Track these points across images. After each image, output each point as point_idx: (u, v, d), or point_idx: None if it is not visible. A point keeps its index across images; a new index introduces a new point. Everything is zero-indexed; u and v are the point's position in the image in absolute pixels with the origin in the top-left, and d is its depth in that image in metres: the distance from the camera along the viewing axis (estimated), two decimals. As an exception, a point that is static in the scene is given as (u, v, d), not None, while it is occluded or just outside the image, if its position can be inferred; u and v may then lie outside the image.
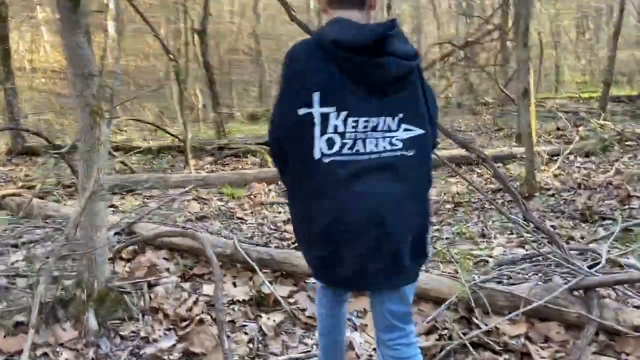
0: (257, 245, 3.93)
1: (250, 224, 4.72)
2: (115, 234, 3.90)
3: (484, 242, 3.99)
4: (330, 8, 1.64)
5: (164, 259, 3.57)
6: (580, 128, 8.33)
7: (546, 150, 6.66)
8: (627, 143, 7.11)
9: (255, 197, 5.40)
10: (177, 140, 7.98)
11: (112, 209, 4.98)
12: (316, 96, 1.53)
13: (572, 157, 6.61)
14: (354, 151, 1.56)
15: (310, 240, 1.68)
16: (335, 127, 1.54)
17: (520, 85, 4.67)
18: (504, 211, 3.23)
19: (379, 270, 1.61)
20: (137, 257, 3.60)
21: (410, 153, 1.61)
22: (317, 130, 1.54)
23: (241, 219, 4.83)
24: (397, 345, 1.74)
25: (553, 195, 4.97)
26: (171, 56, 7.05)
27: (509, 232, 4.14)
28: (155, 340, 2.64)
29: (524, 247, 3.85)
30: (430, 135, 1.68)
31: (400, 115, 1.59)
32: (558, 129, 8.85)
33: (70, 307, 2.79)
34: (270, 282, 3.19)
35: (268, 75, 14.19)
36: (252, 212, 5.00)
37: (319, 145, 1.55)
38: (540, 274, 3.22)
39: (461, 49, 9.28)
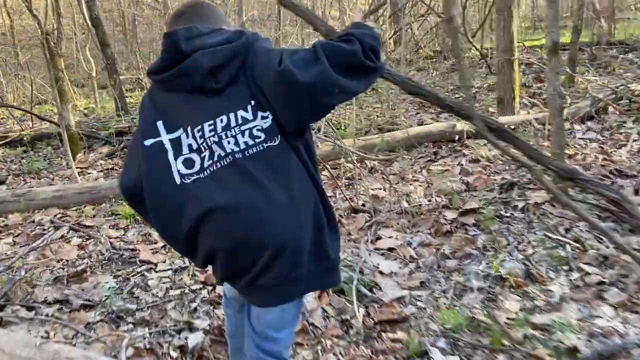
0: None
1: (162, 271, 3.03)
2: None
3: (537, 291, 2.56)
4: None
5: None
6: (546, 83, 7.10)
7: (537, 118, 5.35)
8: (619, 102, 5.96)
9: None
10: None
11: None
12: (160, 125, 1.47)
13: (568, 125, 5.34)
14: (215, 159, 1.43)
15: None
16: (190, 146, 1.45)
17: (549, 37, 3.21)
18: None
19: (268, 285, 1.47)
20: None
21: (276, 142, 1.44)
22: (170, 155, 1.45)
23: (147, 262, 3.11)
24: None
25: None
26: (34, 11, 4.96)
27: (565, 266, 2.74)
28: None
29: (602, 299, 2.47)
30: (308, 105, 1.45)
31: (252, 102, 1.45)
32: (524, 85, 7.62)
33: None
34: None
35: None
36: (164, 247, 3.29)
37: (176, 169, 1.44)
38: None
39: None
